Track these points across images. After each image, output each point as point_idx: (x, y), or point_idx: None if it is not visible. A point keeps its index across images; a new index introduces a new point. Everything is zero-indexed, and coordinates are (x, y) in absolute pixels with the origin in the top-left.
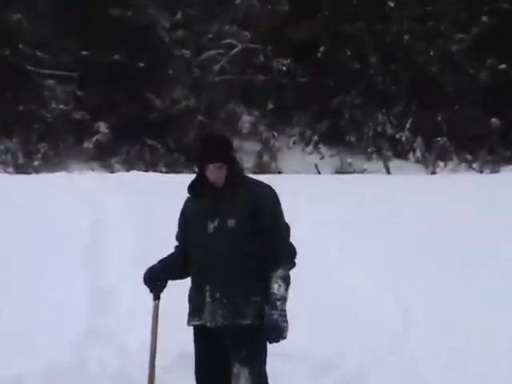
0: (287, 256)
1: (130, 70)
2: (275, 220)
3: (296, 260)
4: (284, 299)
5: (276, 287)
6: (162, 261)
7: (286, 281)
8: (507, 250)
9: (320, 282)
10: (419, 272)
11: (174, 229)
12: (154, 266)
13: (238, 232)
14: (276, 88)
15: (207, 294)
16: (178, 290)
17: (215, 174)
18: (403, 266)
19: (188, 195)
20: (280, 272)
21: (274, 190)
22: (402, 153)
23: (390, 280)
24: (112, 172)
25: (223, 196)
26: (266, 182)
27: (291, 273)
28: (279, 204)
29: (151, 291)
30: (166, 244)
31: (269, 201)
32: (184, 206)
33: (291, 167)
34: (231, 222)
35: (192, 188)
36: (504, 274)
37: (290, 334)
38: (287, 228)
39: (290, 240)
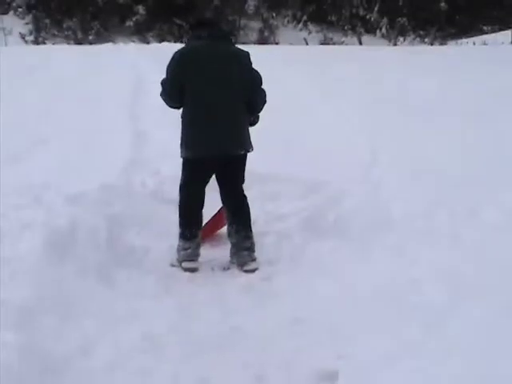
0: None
1: None
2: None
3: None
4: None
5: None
6: None
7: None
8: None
9: (306, 126)
10: (389, 121)
11: None
12: None
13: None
14: None
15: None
16: None
17: None
18: (375, 116)
19: None
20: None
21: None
22: (371, 29)
23: (361, 124)
24: (148, 43)
25: None
26: (266, 51)
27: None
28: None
29: None
30: None
31: None
32: None
33: (286, 40)
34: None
35: None
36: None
37: (281, 161)
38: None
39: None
